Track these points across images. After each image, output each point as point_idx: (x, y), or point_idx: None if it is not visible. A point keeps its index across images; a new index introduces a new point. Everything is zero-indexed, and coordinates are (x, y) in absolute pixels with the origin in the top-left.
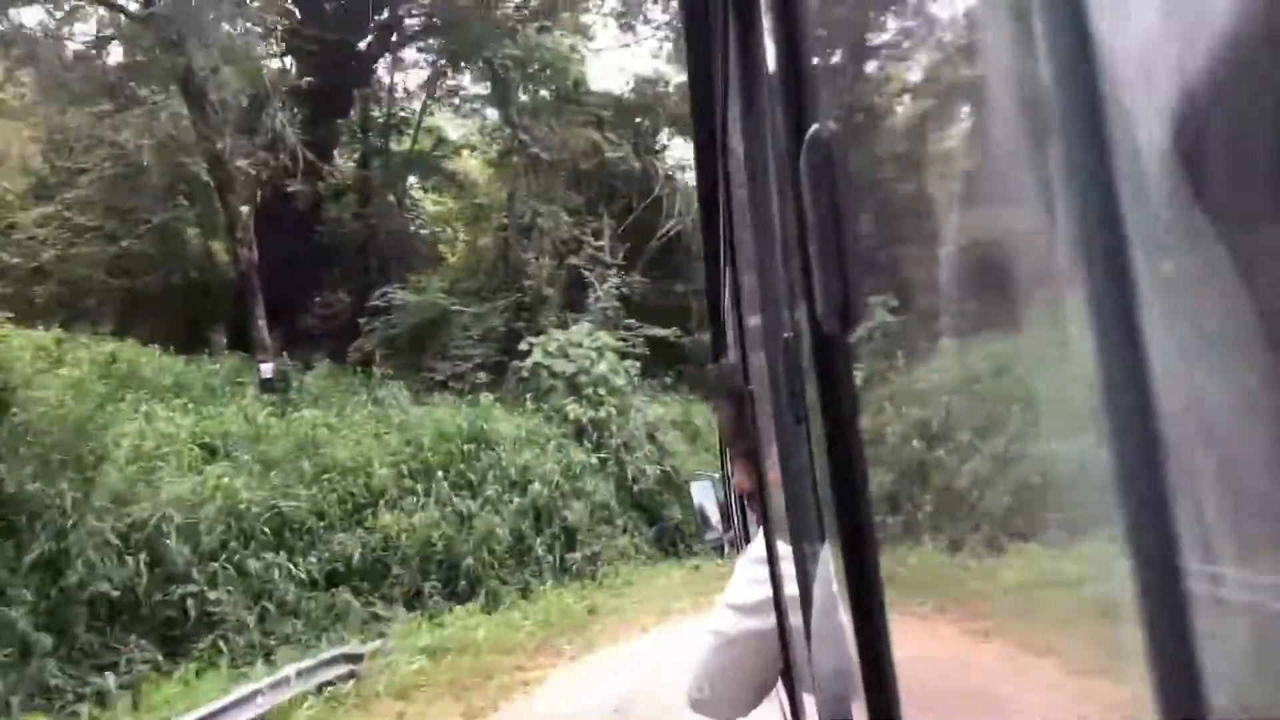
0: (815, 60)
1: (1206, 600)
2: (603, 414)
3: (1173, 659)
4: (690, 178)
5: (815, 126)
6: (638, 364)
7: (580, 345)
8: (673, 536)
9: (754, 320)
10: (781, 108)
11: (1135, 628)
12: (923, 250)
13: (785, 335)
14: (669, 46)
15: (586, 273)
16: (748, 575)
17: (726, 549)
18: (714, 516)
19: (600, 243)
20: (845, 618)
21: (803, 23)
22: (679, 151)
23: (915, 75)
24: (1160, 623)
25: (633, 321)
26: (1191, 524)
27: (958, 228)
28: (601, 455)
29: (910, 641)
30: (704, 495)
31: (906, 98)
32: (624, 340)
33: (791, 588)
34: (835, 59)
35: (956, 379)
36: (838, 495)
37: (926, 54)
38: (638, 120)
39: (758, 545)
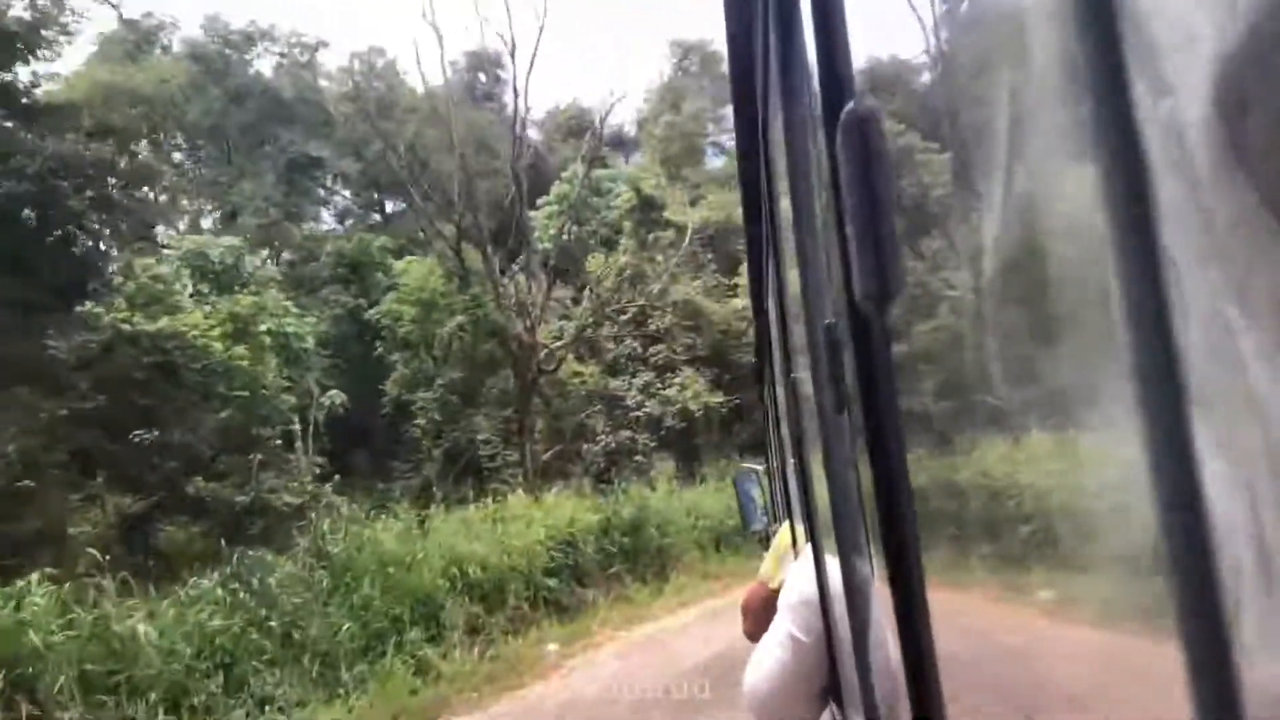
0: (853, 36)
1: (1253, 604)
2: None
3: (1215, 663)
4: None
5: (851, 103)
6: None
7: None
8: None
9: (796, 309)
10: (819, 85)
11: (1184, 623)
12: (961, 227)
13: (827, 322)
14: None
15: None
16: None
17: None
18: (758, 509)
19: None
20: (886, 609)
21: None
22: None
23: (953, 49)
24: (1203, 623)
25: None
26: (1236, 512)
27: (997, 205)
28: None
29: (955, 636)
30: (748, 488)
31: (945, 73)
32: None
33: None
34: (873, 35)
35: (997, 357)
36: (878, 481)
37: (965, 28)
38: None
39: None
